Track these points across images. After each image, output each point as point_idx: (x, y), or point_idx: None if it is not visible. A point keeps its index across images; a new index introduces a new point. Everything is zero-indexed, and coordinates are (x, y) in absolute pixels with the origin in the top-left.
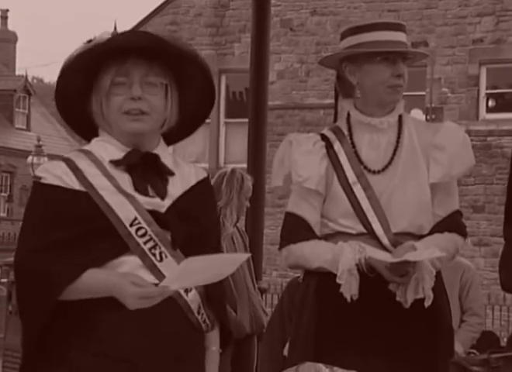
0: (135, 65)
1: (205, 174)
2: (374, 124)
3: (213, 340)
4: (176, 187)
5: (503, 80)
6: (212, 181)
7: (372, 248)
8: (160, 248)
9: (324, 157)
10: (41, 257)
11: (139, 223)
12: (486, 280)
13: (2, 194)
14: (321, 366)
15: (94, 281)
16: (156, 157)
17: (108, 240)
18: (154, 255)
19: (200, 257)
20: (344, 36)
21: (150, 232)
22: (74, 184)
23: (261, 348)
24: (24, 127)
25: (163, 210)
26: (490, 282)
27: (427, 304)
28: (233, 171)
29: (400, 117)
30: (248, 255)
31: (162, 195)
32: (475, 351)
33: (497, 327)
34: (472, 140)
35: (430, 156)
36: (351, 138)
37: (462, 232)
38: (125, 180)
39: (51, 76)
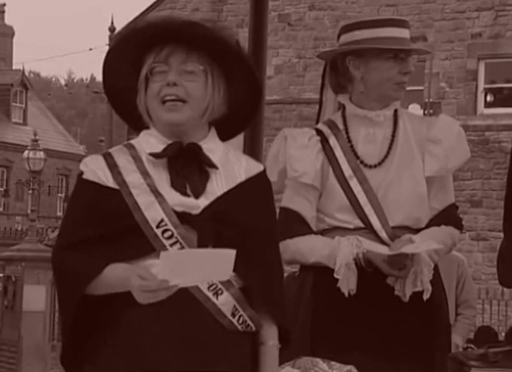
0: (173, 53)
1: (259, 169)
2: (370, 117)
3: (270, 335)
4: (219, 186)
5: (502, 74)
6: None
7: (369, 242)
8: None
9: (320, 152)
10: (67, 254)
11: (165, 225)
12: (484, 275)
13: None
14: (318, 360)
15: (113, 276)
16: (197, 148)
17: (135, 240)
18: None
19: (185, 251)
20: (348, 29)
21: (176, 234)
22: (108, 180)
23: None
24: (21, 121)
25: (196, 211)
26: (488, 277)
27: (426, 297)
28: None
29: (396, 111)
30: (233, 251)
31: (198, 193)
32: (472, 346)
33: (495, 321)
34: (469, 135)
35: (426, 149)
36: (347, 132)
37: (458, 225)
38: (162, 177)
39: (48, 70)
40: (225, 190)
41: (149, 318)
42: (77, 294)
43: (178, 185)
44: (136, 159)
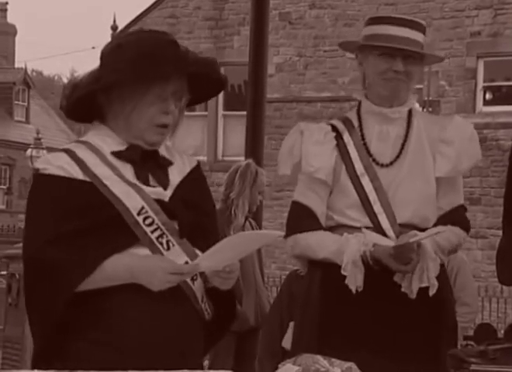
0: (176, 82)
1: (196, 162)
2: (385, 113)
3: None
4: (174, 176)
5: (501, 73)
6: (227, 174)
7: (376, 234)
8: (167, 237)
9: (334, 148)
10: (54, 249)
11: (146, 212)
12: (484, 273)
13: (1, 186)
14: (319, 357)
15: (114, 268)
16: (155, 153)
17: (118, 230)
18: (161, 244)
19: (236, 236)
20: (365, 24)
21: (157, 221)
22: (78, 174)
23: (260, 340)
24: (23, 120)
25: (166, 199)
26: (488, 274)
27: (432, 292)
28: (247, 164)
29: (410, 110)
30: (280, 233)
31: (164, 185)
32: (472, 343)
33: (494, 319)
34: None
35: (437, 150)
36: (361, 129)
37: (465, 226)
38: (127, 169)
39: (51, 69)
40: (179, 179)
41: (133, 309)
42: (69, 291)
43: (142, 177)
44: (98, 153)
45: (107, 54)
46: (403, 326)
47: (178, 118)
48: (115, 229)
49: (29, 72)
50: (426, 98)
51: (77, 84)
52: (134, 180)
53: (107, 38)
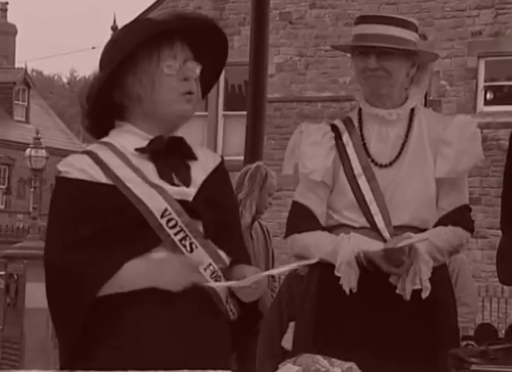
0: (181, 49)
1: (220, 159)
2: (382, 115)
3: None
4: (198, 174)
5: (502, 72)
6: (237, 175)
7: (366, 238)
8: (190, 239)
9: (332, 148)
10: (75, 255)
11: (169, 214)
12: (484, 273)
13: (0, 186)
14: (319, 357)
15: (134, 272)
16: (181, 141)
17: (141, 233)
18: (185, 246)
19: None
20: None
21: (180, 222)
22: (101, 177)
23: (260, 340)
24: (23, 119)
25: (190, 199)
26: (488, 274)
27: (424, 295)
28: (257, 167)
29: (412, 110)
30: (313, 260)
31: (187, 183)
32: (473, 343)
33: (495, 319)
34: None
35: (438, 151)
36: (361, 130)
37: (468, 226)
38: (149, 169)
39: (51, 69)
40: (203, 178)
41: (154, 312)
42: (91, 296)
43: (165, 176)
44: (119, 154)
45: (106, 51)
46: (399, 327)
47: (197, 90)
48: (137, 231)
49: (29, 72)
50: (426, 98)
51: (89, 94)
52: (157, 180)
53: (107, 38)
